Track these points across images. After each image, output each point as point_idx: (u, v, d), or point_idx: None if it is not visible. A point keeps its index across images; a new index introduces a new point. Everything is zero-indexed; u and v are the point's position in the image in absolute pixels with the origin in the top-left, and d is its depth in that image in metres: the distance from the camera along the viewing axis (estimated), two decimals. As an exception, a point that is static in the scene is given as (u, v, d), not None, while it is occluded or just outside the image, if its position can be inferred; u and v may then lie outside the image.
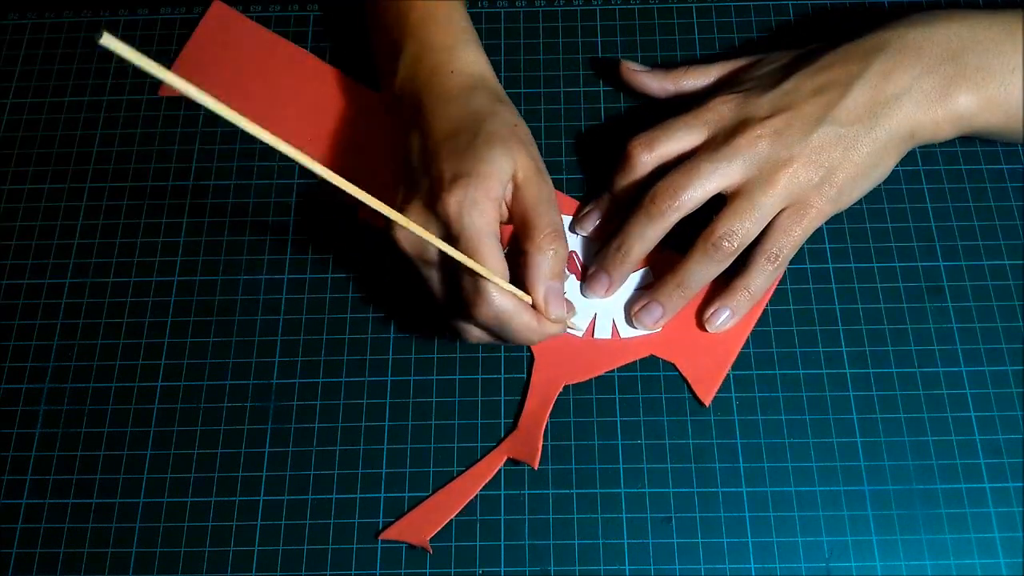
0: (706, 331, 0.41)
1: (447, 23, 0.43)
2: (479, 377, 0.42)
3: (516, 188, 0.38)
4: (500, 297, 0.35)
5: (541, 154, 0.40)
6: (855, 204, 0.41)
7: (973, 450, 0.39)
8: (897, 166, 0.45)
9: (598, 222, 0.43)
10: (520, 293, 0.36)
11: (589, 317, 0.42)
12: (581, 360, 0.41)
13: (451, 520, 0.39)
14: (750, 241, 0.39)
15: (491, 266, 0.34)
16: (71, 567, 0.39)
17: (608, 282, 0.41)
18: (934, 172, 0.45)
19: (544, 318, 0.37)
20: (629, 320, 0.42)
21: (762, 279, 0.40)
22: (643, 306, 0.41)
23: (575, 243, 0.43)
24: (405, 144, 0.41)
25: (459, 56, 0.42)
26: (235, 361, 0.42)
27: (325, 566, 0.38)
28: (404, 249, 0.37)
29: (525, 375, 0.41)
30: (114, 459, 0.40)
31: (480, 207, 0.35)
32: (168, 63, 0.49)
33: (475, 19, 0.50)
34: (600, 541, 0.38)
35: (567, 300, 0.39)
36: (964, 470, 0.39)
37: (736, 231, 0.38)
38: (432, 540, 0.39)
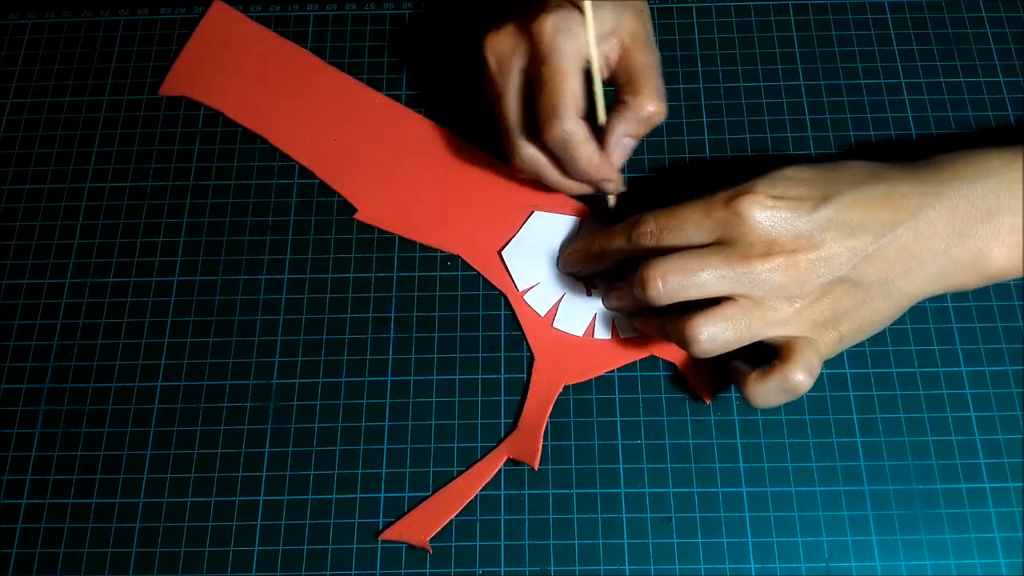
0: None
1: None
2: (479, 377, 0.42)
3: (624, 50, 0.39)
4: (574, 121, 0.37)
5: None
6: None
7: (973, 450, 0.39)
8: (897, 166, 0.45)
9: (579, 268, 0.42)
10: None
11: (588, 318, 0.42)
12: (581, 360, 0.41)
13: (451, 520, 0.39)
14: (720, 352, 0.36)
15: (573, 91, 0.37)
16: (71, 567, 0.39)
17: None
18: (934, 172, 0.45)
19: (605, 161, 0.39)
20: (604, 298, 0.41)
21: (769, 396, 0.36)
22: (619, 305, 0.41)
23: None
24: None
25: None
26: (235, 361, 0.42)
27: (325, 566, 0.38)
28: (489, 60, 0.40)
29: (525, 375, 0.41)
30: (114, 459, 0.40)
31: (574, 36, 0.37)
32: (168, 63, 0.49)
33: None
34: (600, 541, 0.39)
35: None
36: (964, 470, 0.39)
37: (716, 335, 0.35)
38: (432, 540, 0.39)
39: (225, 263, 0.44)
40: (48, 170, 0.47)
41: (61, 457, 0.41)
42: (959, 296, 0.42)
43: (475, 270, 0.43)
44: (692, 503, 0.39)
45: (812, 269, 0.35)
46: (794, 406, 0.40)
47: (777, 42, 0.49)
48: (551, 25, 0.37)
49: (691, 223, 0.37)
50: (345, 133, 0.46)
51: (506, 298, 0.43)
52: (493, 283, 0.43)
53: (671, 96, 0.47)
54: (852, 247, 0.36)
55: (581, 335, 0.42)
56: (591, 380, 0.41)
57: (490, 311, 0.43)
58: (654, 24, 0.49)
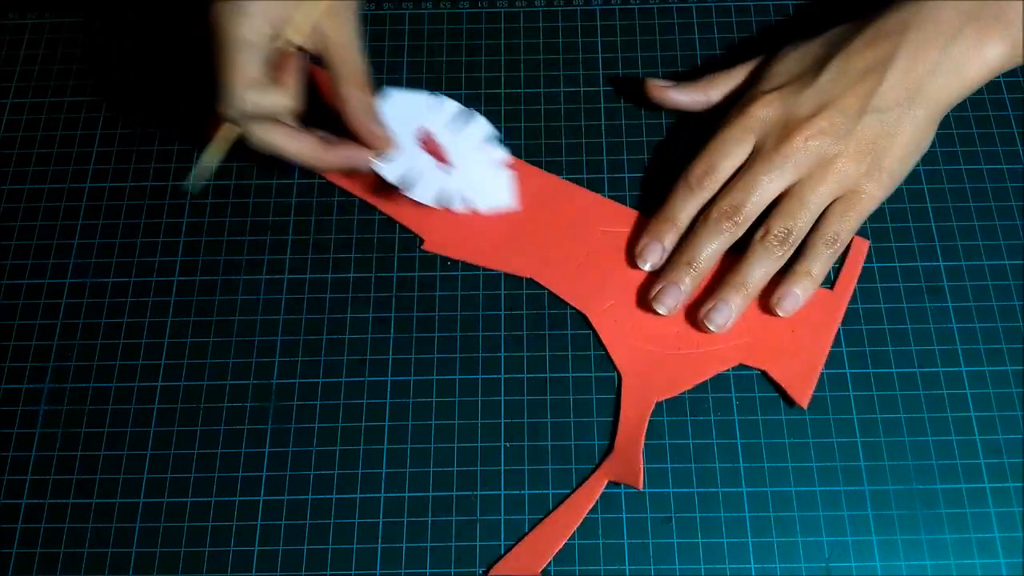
0: (788, 325, 0.41)
1: None
2: (479, 377, 0.42)
3: (322, 22, 0.39)
4: (240, 100, 0.38)
5: (535, 151, 0.42)
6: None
7: (973, 450, 0.39)
8: (897, 166, 0.45)
9: (663, 254, 0.42)
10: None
11: (440, 189, 0.43)
12: (669, 374, 0.41)
13: (451, 520, 0.39)
14: (803, 235, 0.41)
15: (236, 78, 0.37)
16: (71, 567, 0.39)
17: (679, 294, 0.41)
18: (934, 172, 0.45)
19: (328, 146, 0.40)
20: (696, 323, 0.41)
21: (821, 263, 0.41)
22: (712, 307, 0.41)
23: (438, 125, 0.44)
24: None
25: None
26: (235, 361, 0.42)
27: (325, 566, 0.38)
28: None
29: (525, 373, 0.41)
30: (114, 459, 0.40)
31: (245, 17, 0.37)
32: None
33: (475, 19, 0.50)
34: (600, 541, 0.38)
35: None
36: (964, 470, 0.39)
37: (789, 228, 0.40)
38: (432, 540, 0.38)
39: (225, 263, 0.44)
40: (48, 170, 0.47)
41: (61, 457, 0.41)
42: (959, 296, 0.42)
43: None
44: (692, 503, 0.39)
45: (835, 126, 0.40)
46: (795, 406, 0.40)
47: (777, 41, 0.48)
48: (222, 8, 0.38)
49: (730, 141, 0.42)
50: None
51: (585, 316, 0.42)
52: (569, 302, 0.43)
53: (671, 96, 0.47)
54: (863, 91, 0.41)
55: (434, 205, 0.43)
56: (591, 380, 0.41)
57: (490, 311, 0.43)
58: (654, 24, 0.50)
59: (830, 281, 0.42)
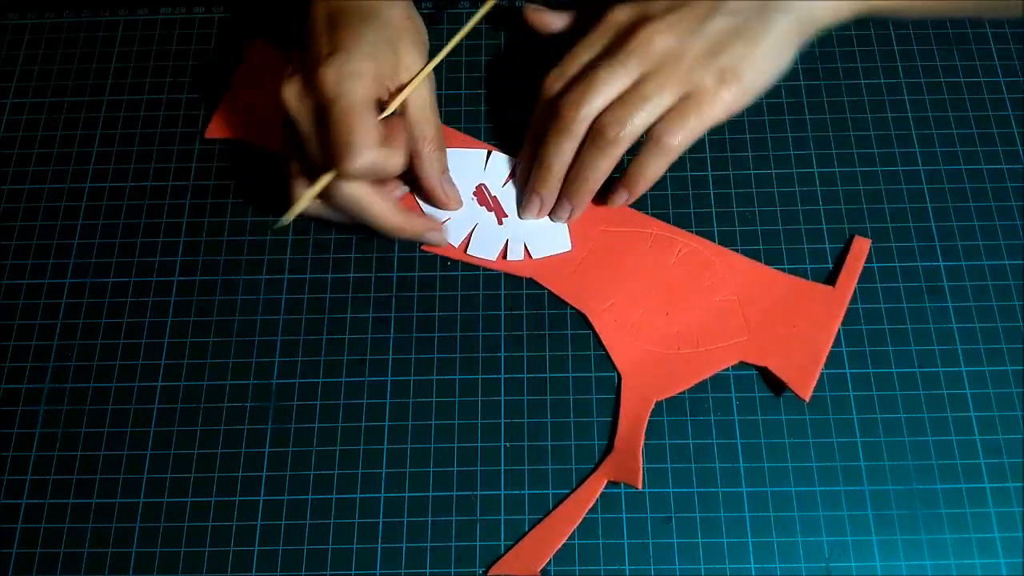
0: (788, 321, 0.41)
1: None
2: (479, 377, 0.42)
3: (401, 84, 0.40)
4: (373, 153, 0.37)
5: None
6: (845, 194, 0.41)
7: (973, 450, 0.39)
8: (897, 165, 0.45)
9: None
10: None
11: (500, 244, 0.43)
12: (668, 374, 0.41)
13: (451, 520, 0.39)
14: (639, 131, 0.39)
15: (361, 137, 0.37)
16: (71, 567, 0.39)
17: (540, 201, 0.43)
18: (934, 172, 0.45)
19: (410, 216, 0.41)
20: (519, 211, 0.44)
21: (653, 164, 0.40)
22: (557, 205, 0.43)
23: (491, 179, 0.45)
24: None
25: None
26: (235, 361, 0.42)
27: (325, 566, 0.38)
28: (291, 108, 0.39)
29: (525, 373, 0.41)
30: (114, 459, 0.40)
31: (360, 79, 0.38)
32: (167, 63, 0.49)
33: (475, 19, 0.50)
34: (600, 541, 0.38)
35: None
36: (964, 470, 0.39)
37: (621, 119, 0.39)
38: (432, 540, 0.39)
39: (225, 263, 0.44)
40: (48, 170, 0.47)
41: (61, 457, 0.41)
42: (959, 296, 0.42)
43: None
44: (692, 503, 0.39)
45: (684, 22, 0.39)
46: (795, 406, 0.40)
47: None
48: (333, 73, 0.38)
49: (584, 46, 0.41)
50: None
51: (585, 316, 0.42)
52: (569, 302, 0.43)
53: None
54: None
55: (495, 259, 0.43)
56: (591, 380, 0.41)
57: (490, 311, 0.43)
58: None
59: (831, 279, 0.43)
